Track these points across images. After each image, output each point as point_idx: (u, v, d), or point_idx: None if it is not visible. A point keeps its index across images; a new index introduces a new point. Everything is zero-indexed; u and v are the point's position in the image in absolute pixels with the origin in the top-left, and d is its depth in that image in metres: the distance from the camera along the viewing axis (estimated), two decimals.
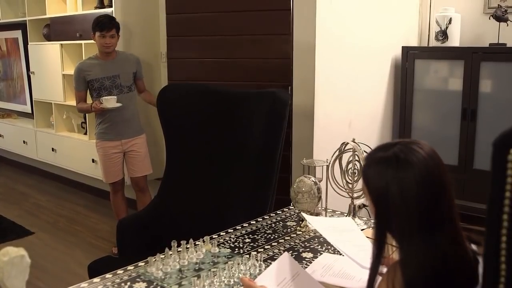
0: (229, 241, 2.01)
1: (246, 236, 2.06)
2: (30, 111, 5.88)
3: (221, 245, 1.97)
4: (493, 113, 3.66)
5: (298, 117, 3.43)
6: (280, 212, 2.37)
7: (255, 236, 2.07)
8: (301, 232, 2.10)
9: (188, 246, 1.85)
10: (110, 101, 3.64)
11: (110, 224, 4.39)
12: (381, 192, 1.20)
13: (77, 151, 5.00)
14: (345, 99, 3.63)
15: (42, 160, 5.67)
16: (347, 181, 2.23)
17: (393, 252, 1.28)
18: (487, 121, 3.67)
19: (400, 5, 4.11)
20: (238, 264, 1.71)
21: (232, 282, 1.63)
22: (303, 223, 2.15)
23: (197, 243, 1.88)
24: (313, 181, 2.14)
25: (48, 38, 5.38)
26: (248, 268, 1.71)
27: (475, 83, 3.70)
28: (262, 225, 2.20)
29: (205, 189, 2.76)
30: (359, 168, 2.19)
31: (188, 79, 3.91)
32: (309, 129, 3.39)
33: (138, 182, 3.96)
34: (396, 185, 1.17)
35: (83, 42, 4.66)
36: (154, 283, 1.66)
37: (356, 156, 2.19)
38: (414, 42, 4.28)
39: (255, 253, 1.81)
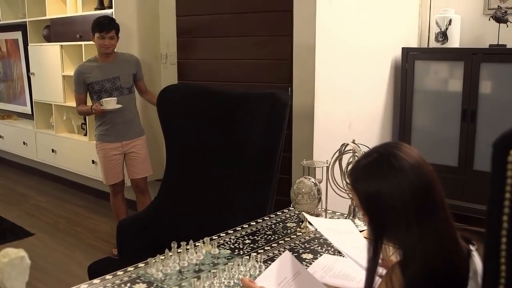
0: (229, 242, 2.01)
1: (246, 237, 2.06)
2: (30, 112, 5.88)
3: (221, 246, 1.97)
4: (493, 114, 3.66)
5: (298, 118, 3.43)
6: (280, 213, 2.37)
7: (255, 237, 2.07)
8: (301, 233, 2.10)
9: (188, 247, 1.85)
10: (110, 103, 3.64)
11: (110, 225, 4.39)
12: (372, 197, 1.22)
13: (77, 152, 5.00)
14: (345, 100, 3.63)
15: (42, 161, 5.67)
16: (347, 182, 2.23)
17: (391, 255, 1.29)
18: (487, 122, 3.67)
19: (400, 6, 4.11)
20: (238, 265, 1.71)
21: (232, 283, 1.63)
22: (303, 224, 2.15)
23: (197, 244, 1.88)
24: (313, 182, 2.14)
25: (48, 39, 5.38)
26: (248, 269, 1.71)
27: (475, 84, 3.70)
28: (262, 226, 2.20)
29: (205, 190, 2.76)
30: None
31: (196, 79, 3.97)
32: (309, 130, 3.39)
33: (138, 184, 3.96)
34: (386, 187, 1.20)
35: (83, 43, 4.66)
36: (154, 284, 1.65)
37: (356, 157, 2.19)
38: (414, 43, 4.28)
39: (255, 254, 1.81)
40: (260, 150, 2.60)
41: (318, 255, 1.88)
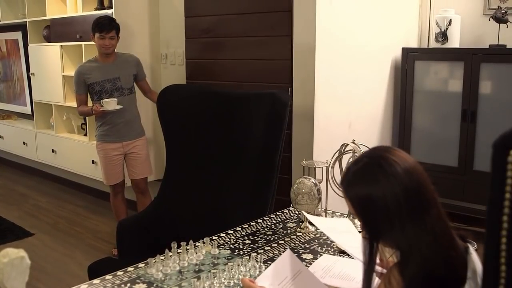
0: (229, 243, 2.01)
1: (246, 238, 2.06)
2: (30, 112, 5.88)
3: (221, 246, 1.97)
4: (493, 115, 3.66)
5: (298, 118, 3.43)
6: (280, 213, 2.37)
7: (255, 237, 2.07)
8: (301, 234, 2.10)
9: (188, 247, 1.85)
10: (110, 104, 3.64)
11: (110, 226, 4.39)
12: (365, 201, 1.23)
13: (77, 153, 5.00)
14: (345, 100, 3.63)
15: (42, 162, 5.67)
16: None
17: (389, 257, 1.30)
18: (487, 123, 3.67)
19: (400, 7, 4.11)
20: (238, 265, 1.71)
21: (232, 284, 1.63)
22: (303, 224, 2.16)
23: (197, 244, 1.88)
24: (313, 182, 2.14)
25: (48, 39, 5.38)
26: (248, 269, 1.71)
27: (475, 84, 3.70)
28: (262, 226, 2.20)
29: (205, 191, 2.76)
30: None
31: (201, 79, 4.02)
32: (309, 130, 3.39)
33: (138, 184, 3.95)
34: (378, 191, 1.21)
35: (83, 43, 4.66)
36: (154, 285, 1.65)
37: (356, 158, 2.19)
38: (414, 44, 4.28)
39: (255, 254, 1.81)
40: (260, 151, 2.60)
41: (318, 255, 1.89)
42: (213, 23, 3.96)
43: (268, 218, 2.30)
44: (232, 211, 2.57)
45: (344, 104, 3.63)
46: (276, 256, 1.87)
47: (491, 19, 3.77)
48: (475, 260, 1.23)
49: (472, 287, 1.21)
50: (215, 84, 3.90)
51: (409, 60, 4.02)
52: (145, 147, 3.93)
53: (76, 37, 4.86)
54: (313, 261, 1.83)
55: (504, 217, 0.90)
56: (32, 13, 5.42)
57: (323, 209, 2.34)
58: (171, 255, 1.77)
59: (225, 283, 1.63)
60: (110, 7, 4.27)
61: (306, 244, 1.99)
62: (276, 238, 2.06)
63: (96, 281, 1.69)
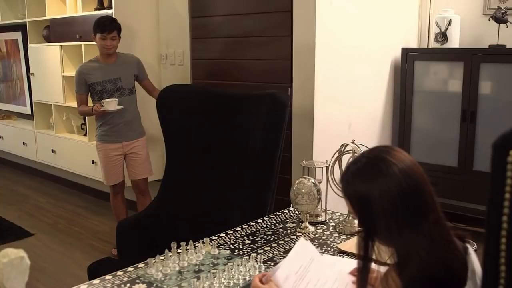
0: (228, 243, 2.01)
1: (246, 238, 2.06)
2: (30, 113, 5.88)
3: (221, 246, 1.97)
4: (493, 115, 3.66)
5: (298, 118, 3.43)
6: (280, 213, 2.37)
7: (255, 237, 2.07)
8: (301, 234, 2.10)
9: (187, 247, 1.85)
10: (111, 104, 3.63)
11: (109, 226, 4.39)
12: (363, 200, 1.23)
13: (77, 153, 5.00)
14: (344, 101, 3.63)
15: (41, 162, 5.67)
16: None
17: (388, 259, 1.30)
18: (487, 123, 3.67)
19: (400, 7, 4.11)
20: (238, 265, 1.71)
21: (232, 284, 1.63)
22: (303, 224, 2.16)
23: (196, 244, 1.88)
24: (312, 182, 2.14)
25: (48, 39, 5.38)
26: (247, 269, 1.71)
27: (474, 84, 3.70)
28: (261, 226, 2.20)
29: (205, 191, 2.76)
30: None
31: (203, 79, 4.06)
32: (309, 131, 3.39)
33: (138, 185, 3.95)
34: (376, 191, 1.21)
35: (83, 43, 4.66)
36: (154, 285, 1.65)
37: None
38: (413, 44, 4.28)
39: (255, 254, 1.81)
40: (259, 151, 2.60)
41: None
42: (216, 24, 3.98)
43: (267, 218, 2.30)
44: (231, 211, 2.57)
45: (344, 104, 3.63)
46: (276, 257, 1.87)
47: (490, 19, 3.77)
48: (474, 260, 1.24)
49: (471, 287, 1.21)
50: (217, 84, 3.92)
51: (409, 60, 4.02)
52: (145, 148, 3.93)
53: (76, 37, 4.86)
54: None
55: (504, 217, 0.90)
56: (32, 13, 5.41)
57: (322, 209, 2.34)
58: (170, 255, 1.77)
59: (225, 283, 1.63)
60: (110, 7, 4.27)
61: None
62: (275, 238, 2.06)
63: (95, 281, 1.69)
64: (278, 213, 2.37)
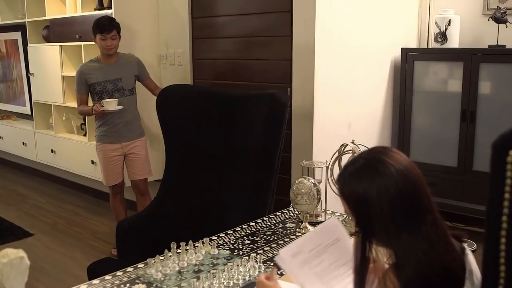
0: (228, 243, 2.01)
1: (246, 238, 2.06)
2: (30, 113, 5.87)
3: (221, 246, 1.97)
4: (492, 115, 3.66)
5: (298, 118, 3.43)
6: (280, 213, 2.37)
7: (255, 237, 2.07)
8: (300, 234, 2.10)
9: (187, 247, 1.85)
10: (111, 104, 3.62)
11: (109, 226, 4.39)
12: (360, 200, 1.24)
13: (76, 153, 5.00)
14: (344, 101, 3.63)
15: (41, 162, 5.67)
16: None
17: (386, 260, 1.30)
18: (487, 123, 3.67)
19: (400, 7, 4.11)
20: (238, 265, 1.71)
21: (231, 284, 1.63)
22: (303, 224, 2.16)
23: (196, 244, 1.88)
24: (312, 182, 2.14)
25: (48, 39, 5.38)
26: (247, 269, 1.71)
27: (474, 84, 3.70)
28: (261, 226, 2.20)
29: (204, 191, 2.76)
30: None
31: (204, 78, 4.06)
32: (309, 131, 3.40)
33: (138, 185, 3.94)
34: (372, 192, 1.21)
35: (82, 43, 4.66)
36: (154, 285, 1.65)
37: None
38: (413, 44, 4.28)
39: (255, 254, 1.81)
40: (259, 151, 2.60)
41: None
42: (216, 24, 3.98)
43: (267, 219, 2.30)
44: (231, 211, 2.57)
45: (344, 104, 3.63)
46: (275, 257, 1.87)
47: (490, 19, 3.78)
48: (471, 260, 1.24)
49: (468, 287, 1.21)
50: (218, 84, 3.92)
51: (409, 60, 4.02)
52: (145, 148, 3.92)
53: (75, 37, 4.86)
54: None
55: (503, 217, 0.90)
56: (32, 13, 5.41)
57: (322, 209, 2.34)
58: (170, 256, 1.77)
59: (225, 283, 1.63)
60: (110, 7, 4.27)
61: None
62: (275, 238, 2.06)
63: (95, 281, 1.69)
64: (277, 213, 2.37)
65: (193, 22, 4.16)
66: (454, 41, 3.95)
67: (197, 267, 1.78)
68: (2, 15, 6.09)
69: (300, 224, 2.19)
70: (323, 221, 2.26)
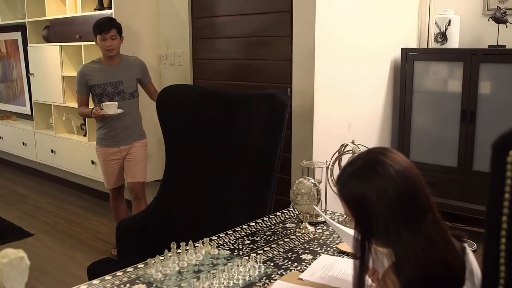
0: (228, 243, 2.01)
1: (246, 238, 2.06)
2: (30, 113, 5.88)
3: (221, 246, 1.96)
4: (492, 115, 3.66)
5: (298, 118, 3.43)
6: (280, 213, 2.37)
7: (255, 237, 2.07)
8: (300, 234, 2.10)
9: (187, 248, 1.85)
10: (110, 108, 3.55)
11: (109, 226, 4.39)
12: (359, 201, 1.24)
13: (76, 153, 5.00)
14: (344, 101, 3.63)
15: (41, 162, 5.67)
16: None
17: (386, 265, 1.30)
18: (487, 123, 3.67)
19: (400, 7, 4.11)
20: (238, 265, 1.71)
21: (231, 284, 1.63)
22: (303, 224, 2.16)
23: (196, 244, 1.88)
24: (312, 182, 2.14)
25: (48, 39, 5.38)
26: (247, 270, 1.71)
27: (474, 84, 3.70)
28: (261, 226, 2.20)
29: (204, 191, 2.76)
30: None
31: (204, 78, 4.06)
32: (309, 131, 3.40)
33: (133, 188, 3.82)
34: (372, 192, 1.22)
35: (82, 43, 4.66)
36: (154, 285, 1.65)
37: None
38: (413, 44, 4.29)
39: (255, 254, 1.81)
40: (259, 151, 2.61)
41: (318, 255, 1.88)
42: (216, 24, 3.98)
43: (267, 219, 2.30)
44: (231, 212, 2.57)
45: (344, 104, 3.63)
46: (275, 257, 1.87)
47: (490, 19, 3.78)
48: (472, 260, 1.24)
49: (469, 287, 1.21)
50: (219, 84, 3.92)
51: (409, 61, 4.03)
52: (142, 150, 3.83)
53: (75, 37, 4.86)
54: (312, 261, 1.83)
55: (503, 217, 0.90)
56: (32, 14, 5.41)
57: (322, 210, 2.34)
58: (170, 256, 1.77)
59: (225, 283, 1.63)
60: (110, 8, 4.27)
61: (305, 245, 1.99)
62: (275, 238, 2.06)
63: (95, 281, 1.69)
64: (277, 213, 2.37)
65: (193, 22, 4.16)
66: (454, 41, 3.95)
67: (197, 267, 1.78)
68: (2, 15, 6.09)
69: (300, 224, 2.19)
70: (323, 221, 2.26)
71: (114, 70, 3.67)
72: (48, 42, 5.35)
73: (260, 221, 2.27)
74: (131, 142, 3.77)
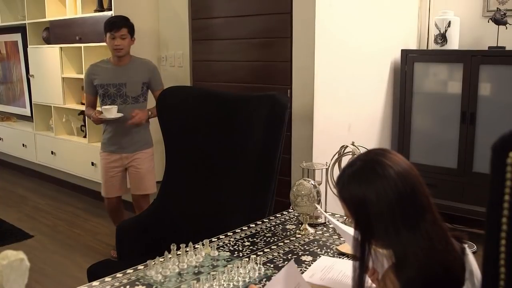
0: (228, 245, 2.01)
1: (246, 239, 2.06)
2: (30, 114, 5.88)
3: (221, 248, 1.96)
4: (492, 116, 3.66)
5: (298, 120, 3.43)
6: (280, 215, 2.37)
7: (255, 239, 2.07)
8: (300, 235, 2.10)
9: (187, 249, 1.85)
10: (110, 111, 3.41)
11: (109, 228, 4.38)
12: (359, 202, 1.24)
13: (76, 154, 5.00)
14: (344, 102, 3.63)
15: (41, 163, 5.67)
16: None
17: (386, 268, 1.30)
18: (486, 124, 3.68)
19: (399, 9, 4.11)
20: (238, 267, 1.71)
21: (231, 286, 1.63)
22: (303, 226, 2.15)
23: (196, 246, 1.88)
24: (312, 184, 2.14)
25: (48, 41, 5.39)
26: (247, 271, 1.71)
27: (474, 86, 3.70)
28: (261, 228, 2.20)
29: (204, 192, 2.76)
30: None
31: (204, 80, 4.05)
32: (309, 132, 3.40)
33: (135, 200, 3.72)
34: (371, 193, 1.22)
35: (82, 45, 4.66)
36: (154, 287, 1.65)
37: None
38: (413, 45, 4.29)
39: (255, 256, 1.81)
40: (259, 153, 2.60)
41: (318, 257, 1.88)
42: (217, 25, 3.99)
43: (267, 220, 2.30)
44: (231, 213, 2.57)
45: (344, 105, 3.63)
46: (275, 258, 1.87)
47: (490, 21, 3.78)
48: (472, 261, 1.24)
49: (469, 287, 1.21)
50: (218, 86, 3.92)
51: (409, 62, 4.03)
52: (147, 161, 3.66)
53: (75, 39, 4.87)
54: (312, 263, 1.83)
55: (503, 219, 0.90)
56: (32, 15, 5.42)
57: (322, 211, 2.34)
58: (170, 257, 1.77)
59: (225, 285, 1.63)
60: (110, 9, 4.27)
61: (305, 246, 1.99)
62: (275, 240, 2.06)
63: (95, 283, 1.69)
64: (277, 215, 2.37)
65: (192, 23, 4.16)
66: (454, 43, 3.95)
67: (197, 268, 1.78)
68: (2, 16, 6.09)
69: (300, 225, 2.19)
70: (323, 223, 2.26)
71: (119, 71, 3.52)
72: (48, 43, 5.36)
73: (260, 222, 2.27)
74: (134, 151, 3.61)
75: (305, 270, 1.76)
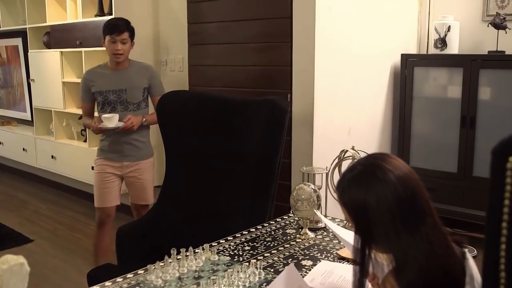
0: (228, 249, 2.00)
1: (246, 244, 2.06)
2: (30, 119, 5.89)
3: (221, 252, 1.96)
4: (492, 121, 3.66)
5: (298, 124, 3.44)
6: (280, 219, 2.36)
7: (255, 243, 2.06)
8: (300, 240, 2.10)
9: (187, 254, 1.85)
10: (110, 120, 3.20)
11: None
12: (359, 207, 1.24)
13: (76, 159, 5.01)
14: (344, 107, 3.64)
15: (41, 168, 5.67)
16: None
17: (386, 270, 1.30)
18: (486, 129, 3.68)
19: (399, 13, 4.12)
20: (238, 272, 1.71)
21: None
22: (303, 230, 2.15)
23: (196, 251, 1.88)
24: (312, 188, 2.13)
25: (48, 45, 5.40)
26: (247, 276, 1.71)
27: (474, 90, 3.71)
28: (261, 232, 2.20)
29: (204, 197, 2.76)
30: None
31: (203, 85, 4.03)
32: (309, 136, 3.40)
33: (136, 208, 3.54)
34: (372, 198, 1.22)
35: (83, 49, 4.68)
36: None
37: None
38: (413, 50, 4.29)
39: (255, 260, 1.81)
40: (259, 157, 2.60)
41: (318, 261, 1.88)
42: (215, 29, 3.99)
43: (267, 225, 2.30)
44: (231, 218, 2.57)
45: (344, 110, 3.64)
46: (275, 263, 1.87)
47: (490, 25, 3.79)
48: (472, 265, 1.24)
49: None
50: (216, 90, 3.92)
51: (408, 66, 4.03)
52: (149, 171, 3.49)
53: (76, 43, 4.88)
54: (313, 267, 1.82)
55: (503, 223, 0.90)
56: (32, 20, 5.43)
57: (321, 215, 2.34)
58: (170, 262, 1.77)
59: None
60: (110, 13, 4.29)
61: (305, 251, 1.99)
62: (275, 244, 2.06)
63: (95, 287, 1.69)
64: (278, 219, 2.37)
65: (189, 28, 4.14)
66: (453, 47, 3.96)
67: (197, 273, 1.78)
68: (3, 21, 6.11)
69: (300, 230, 2.18)
70: (323, 227, 2.26)
71: (118, 76, 3.33)
72: (49, 48, 5.37)
73: (260, 227, 2.26)
74: (136, 160, 3.41)
75: (305, 275, 1.76)
